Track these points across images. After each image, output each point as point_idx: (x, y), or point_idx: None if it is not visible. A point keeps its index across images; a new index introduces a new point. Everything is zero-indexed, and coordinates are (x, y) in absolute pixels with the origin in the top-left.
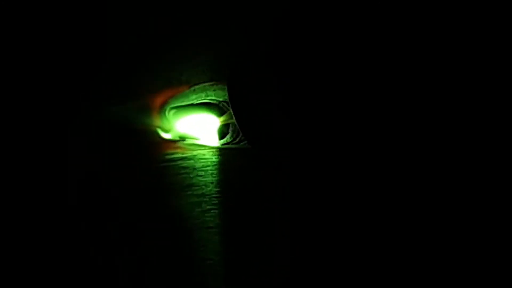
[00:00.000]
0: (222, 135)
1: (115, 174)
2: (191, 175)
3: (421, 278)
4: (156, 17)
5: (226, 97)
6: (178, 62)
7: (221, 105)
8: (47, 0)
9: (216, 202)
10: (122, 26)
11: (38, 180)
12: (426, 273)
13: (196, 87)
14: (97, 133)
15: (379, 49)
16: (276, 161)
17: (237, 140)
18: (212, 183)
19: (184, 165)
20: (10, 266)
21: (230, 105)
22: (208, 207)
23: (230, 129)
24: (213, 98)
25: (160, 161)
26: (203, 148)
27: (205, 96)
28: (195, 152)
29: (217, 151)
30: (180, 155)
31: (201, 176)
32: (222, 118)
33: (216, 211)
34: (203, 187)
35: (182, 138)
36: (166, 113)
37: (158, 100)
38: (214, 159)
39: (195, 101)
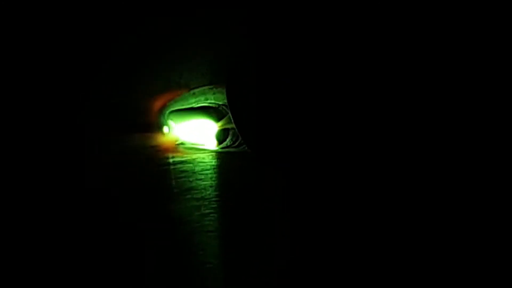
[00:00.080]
0: (221, 139)
1: (115, 175)
2: (191, 179)
3: (421, 278)
4: (156, 17)
5: (226, 101)
6: (178, 63)
7: (220, 108)
8: (47, 0)
9: (216, 206)
10: (122, 26)
11: (38, 180)
12: (426, 273)
13: (196, 90)
14: (97, 134)
15: (379, 49)
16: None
17: (237, 143)
18: (211, 186)
19: (184, 168)
20: (10, 266)
21: (228, 109)
22: (207, 211)
23: (230, 133)
24: (213, 101)
25: (159, 165)
26: (202, 151)
27: (205, 99)
28: (194, 156)
29: (216, 154)
30: (179, 159)
31: (200, 179)
32: (220, 123)
33: (216, 215)
34: (203, 190)
35: (182, 142)
36: (166, 116)
37: (158, 103)
38: (213, 163)
39: (195, 105)
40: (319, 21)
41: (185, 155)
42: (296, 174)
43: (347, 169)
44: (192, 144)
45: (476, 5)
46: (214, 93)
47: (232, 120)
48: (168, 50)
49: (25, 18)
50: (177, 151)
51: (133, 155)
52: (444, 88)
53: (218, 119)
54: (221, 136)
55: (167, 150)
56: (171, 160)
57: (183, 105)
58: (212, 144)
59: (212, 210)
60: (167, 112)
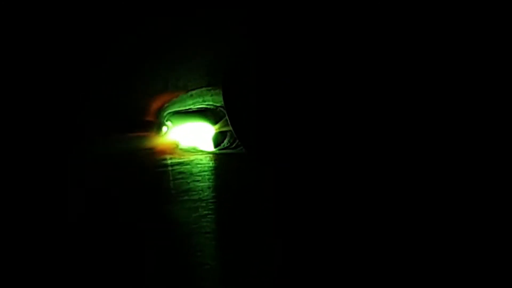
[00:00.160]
0: (218, 142)
1: (114, 175)
2: (188, 180)
3: (420, 277)
4: (156, 17)
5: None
6: (178, 63)
7: (218, 110)
8: (47, 0)
9: (213, 207)
10: (122, 26)
11: (38, 180)
12: (424, 272)
13: (193, 92)
14: (96, 134)
15: (379, 49)
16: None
17: (234, 145)
18: (209, 188)
19: (181, 170)
20: (11, 266)
21: (225, 111)
22: (205, 212)
23: (227, 134)
24: (210, 103)
25: (157, 166)
26: (200, 153)
27: (202, 101)
28: (192, 157)
29: (214, 156)
30: (177, 160)
31: (198, 181)
32: (217, 126)
33: (213, 216)
34: (200, 192)
35: (180, 144)
36: (164, 117)
37: (156, 104)
38: (211, 164)
39: (192, 106)
40: (319, 21)
41: (183, 157)
42: (295, 174)
43: (346, 169)
44: (190, 146)
45: (476, 5)
46: (211, 95)
47: (229, 121)
48: (168, 50)
49: (26, 18)
50: (175, 153)
51: (132, 156)
52: (443, 88)
53: (215, 121)
54: (218, 139)
55: (165, 151)
56: (169, 162)
57: (180, 107)
58: (209, 146)
59: (209, 212)
60: (165, 113)
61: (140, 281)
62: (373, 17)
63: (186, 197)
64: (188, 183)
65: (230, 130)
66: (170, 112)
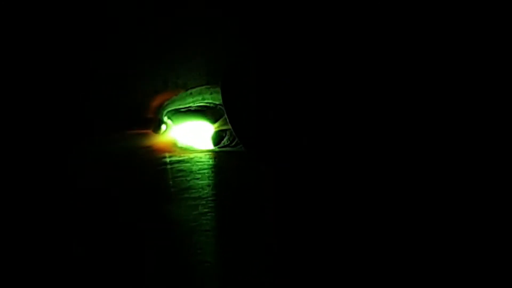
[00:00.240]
0: (218, 140)
1: (114, 175)
2: (188, 178)
3: (419, 277)
4: (156, 17)
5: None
6: (178, 62)
7: (217, 108)
8: (47, 1)
9: (213, 205)
10: (122, 25)
11: (38, 180)
12: (424, 271)
13: (193, 90)
14: (96, 134)
15: (378, 49)
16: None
17: (233, 143)
18: (208, 186)
19: (181, 168)
20: (11, 266)
21: (224, 109)
22: (204, 210)
23: (227, 133)
24: (210, 101)
25: (157, 164)
26: (200, 151)
27: (202, 99)
28: (191, 155)
29: (213, 154)
30: (177, 158)
31: (197, 179)
32: (217, 124)
33: (213, 214)
34: (200, 190)
35: (179, 143)
36: (163, 115)
37: (156, 102)
38: (210, 162)
39: (192, 104)
40: (319, 21)
41: (182, 155)
42: (294, 174)
43: (346, 169)
44: (189, 144)
45: (476, 5)
46: (211, 93)
47: (228, 120)
48: (168, 50)
49: (26, 19)
50: (175, 151)
51: (131, 155)
52: (443, 88)
53: (215, 119)
54: (218, 138)
55: (164, 149)
56: (168, 160)
57: (180, 105)
58: (208, 144)
59: (209, 210)
60: (165, 111)
61: (140, 281)
62: (373, 17)
63: (186, 195)
64: (188, 181)
65: (229, 129)
66: (170, 111)
